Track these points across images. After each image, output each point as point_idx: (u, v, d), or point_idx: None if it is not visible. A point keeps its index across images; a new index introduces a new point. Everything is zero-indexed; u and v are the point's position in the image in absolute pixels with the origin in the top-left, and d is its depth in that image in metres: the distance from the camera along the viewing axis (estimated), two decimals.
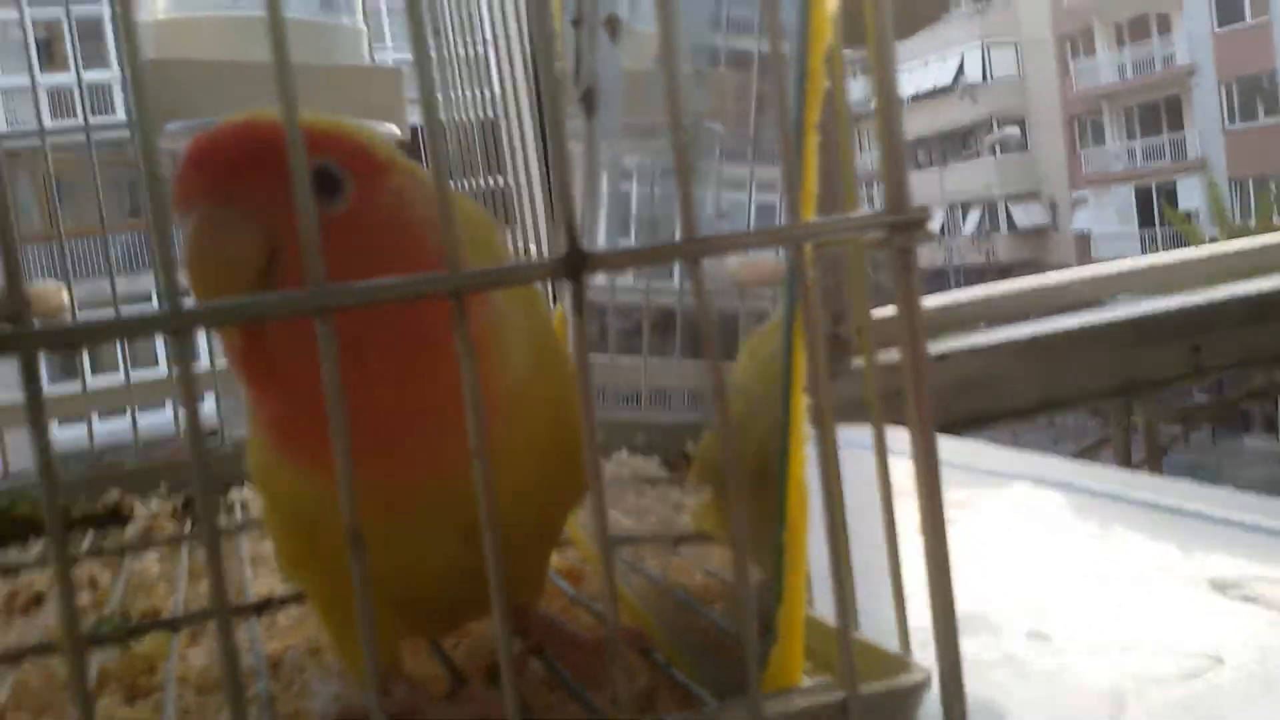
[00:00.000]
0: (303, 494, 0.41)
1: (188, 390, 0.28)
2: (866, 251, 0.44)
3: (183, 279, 0.28)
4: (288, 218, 0.30)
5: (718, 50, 0.46)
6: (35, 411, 0.27)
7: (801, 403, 0.37)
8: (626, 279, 0.57)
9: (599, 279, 0.58)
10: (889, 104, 0.34)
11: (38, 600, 0.68)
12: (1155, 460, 1.56)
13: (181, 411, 0.29)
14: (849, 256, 0.43)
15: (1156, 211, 18.58)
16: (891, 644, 0.39)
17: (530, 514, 0.43)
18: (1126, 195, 19.70)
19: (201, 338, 1.19)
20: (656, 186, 0.53)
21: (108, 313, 0.29)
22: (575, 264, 0.31)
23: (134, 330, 0.28)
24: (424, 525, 0.41)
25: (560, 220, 0.31)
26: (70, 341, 0.27)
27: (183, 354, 0.28)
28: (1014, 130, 21.19)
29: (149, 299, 1.19)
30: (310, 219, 0.28)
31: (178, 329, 0.27)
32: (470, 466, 0.30)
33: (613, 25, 0.53)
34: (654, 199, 0.53)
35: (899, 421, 0.36)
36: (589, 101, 0.56)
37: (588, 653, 0.45)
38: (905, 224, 0.35)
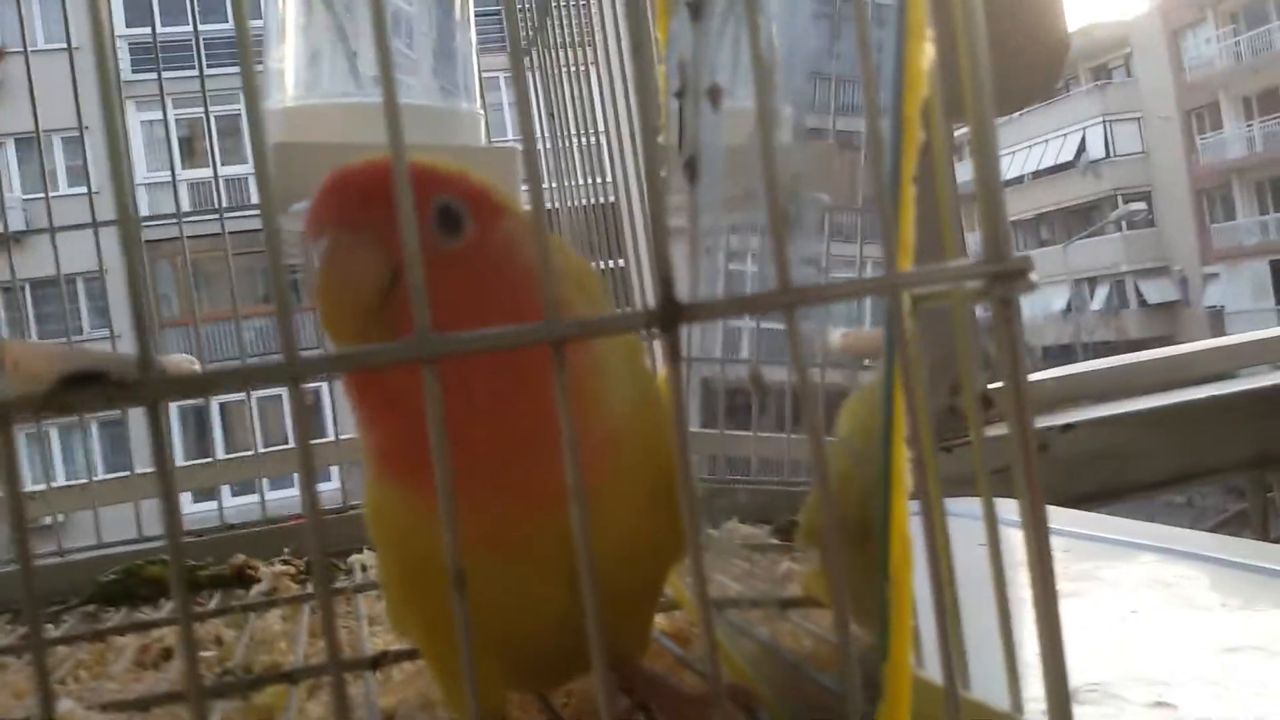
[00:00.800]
0: (411, 529, 0.42)
1: (303, 435, 0.30)
2: (974, 316, 0.43)
3: (301, 327, 0.30)
4: None
5: (821, 124, 0.47)
6: (160, 459, 0.29)
7: (902, 454, 0.37)
8: (740, 354, 0.57)
9: (714, 354, 0.59)
10: (986, 152, 0.34)
11: (167, 655, 0.71)
12: None
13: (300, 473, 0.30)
14: (953, 313, 0.43)
15: None
16: (1003, 705, 0.38)
17: (631, 561, 0.44)
18: (1260, 270, 19.05)
19: (328, 415, 1.24)
20: (756, 251, 0.54)
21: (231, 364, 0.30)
22: (670, 314, 0.31)
23: (253, 378, 0.29)
24: (526, 566, 0.42)
25: (656, 272, 0.32)
26: (194, 389, 0.29)
27: (300, 401, 0.29)
28: (1140, 205, 20.72)
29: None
30: (417, 271, 0.30)
31: (295, 377, 0.29)
32: (563, 499, 0.30)
33: (715, 95, 0.55)
34: (756, 262, 0.54)
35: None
36: (692, 169, 0.57)
37: (692, 708, 0.45)
38: (1005, 274, 0.35)
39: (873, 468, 0.39)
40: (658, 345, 0.33)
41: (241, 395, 1.41)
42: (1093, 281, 21.23)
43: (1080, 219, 21.63)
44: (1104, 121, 20.94)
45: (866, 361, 0.42)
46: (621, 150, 1.03)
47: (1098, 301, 21.12)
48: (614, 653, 0.39)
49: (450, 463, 0.29)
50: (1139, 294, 20.78)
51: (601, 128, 1.04)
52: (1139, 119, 20.94)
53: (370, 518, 0.47)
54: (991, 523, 0.40)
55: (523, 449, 0.40)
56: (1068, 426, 1.34)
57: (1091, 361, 1.57)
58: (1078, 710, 0.33)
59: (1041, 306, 20.80)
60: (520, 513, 0.41)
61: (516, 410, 0.40)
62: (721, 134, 0.55)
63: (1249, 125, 19.42)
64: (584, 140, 1.04)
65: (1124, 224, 20.77)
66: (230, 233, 1.32)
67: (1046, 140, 21.28)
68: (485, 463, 0.40)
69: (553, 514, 0.36)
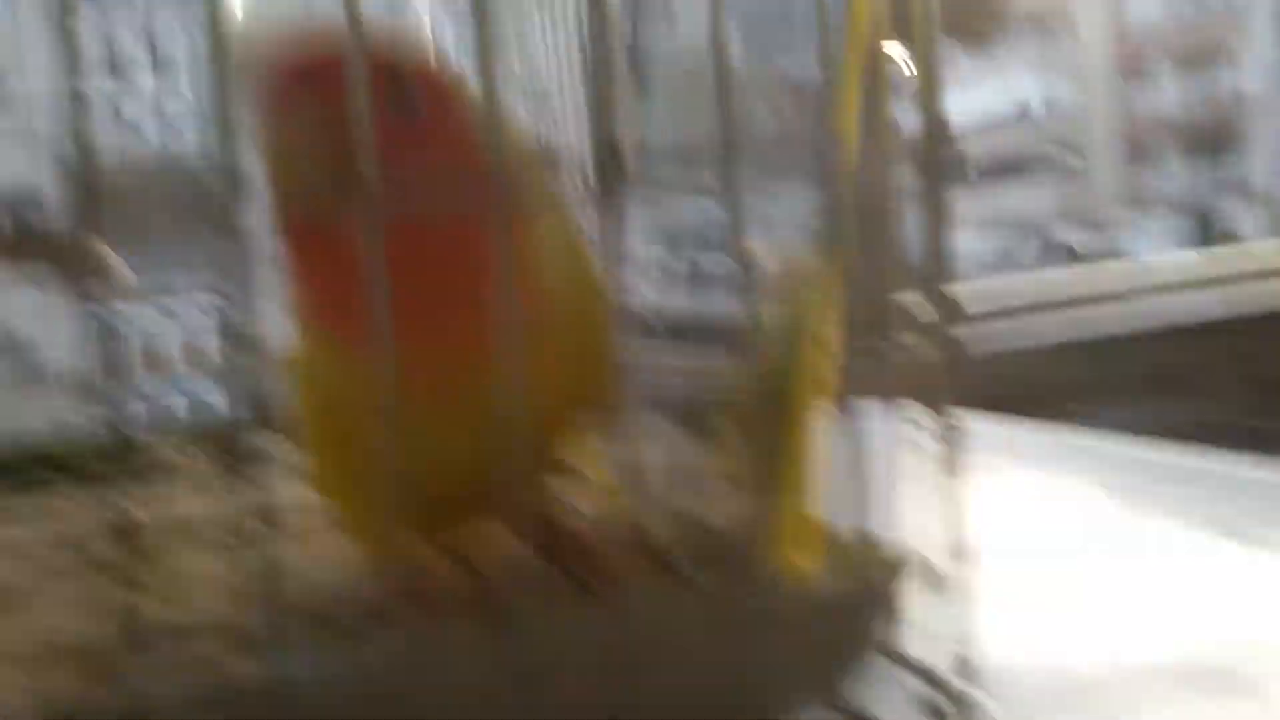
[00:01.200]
0: (336, 377, 0.43)
1: None
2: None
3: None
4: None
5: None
6: None
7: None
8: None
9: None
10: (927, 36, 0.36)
11: None
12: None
13: None
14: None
15: (1213, 240, 18.35)
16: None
17: (546, 410, 0.45)
18: (1184, 224, 19.44)
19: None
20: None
21: None
22: (612, 173, 0.33)
23: None
24: (446, 413, 0.43)
25: (599, 131, 0.34)
26: None
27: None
28: (1071, 159, 20.99)
29: None
30: (365, 127, 0.31)
31: None
32: (491, 356, 0.32)
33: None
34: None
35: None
36: (638, 77, 0.58)
37: (588, 543, 0.47)
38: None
39: (790, 348, 0.41)
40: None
41: None
42: (1021, 230, 21.52)
43: (1010, 169, 21.84)
44: (1038, 72, 21.11)
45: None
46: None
47: (1024, 251, 21.43)
48: (515, 496, 0.42)
49: (387, 313, 0.31)
50: (1067, 245, 21.10)
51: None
52: (1076, 73, 21.13)
53: (292, 369, 0.48)
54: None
55: (455, 303, 0.42)
56: (988, 354, 1.39)
57: (1012, 276, 1.62)
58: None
59: (972, 258, 21.03)
60: (442, 357, 0.43)
61: (453, 269, 0.42)
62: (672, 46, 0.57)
63: (1183, 81, 19.70)
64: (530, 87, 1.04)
65: (1052, 175, 21.02)
66: None
67: (980, 89, 21.43)
68: (416, 314, 0.41)
69: (475, 365, 0.38)
